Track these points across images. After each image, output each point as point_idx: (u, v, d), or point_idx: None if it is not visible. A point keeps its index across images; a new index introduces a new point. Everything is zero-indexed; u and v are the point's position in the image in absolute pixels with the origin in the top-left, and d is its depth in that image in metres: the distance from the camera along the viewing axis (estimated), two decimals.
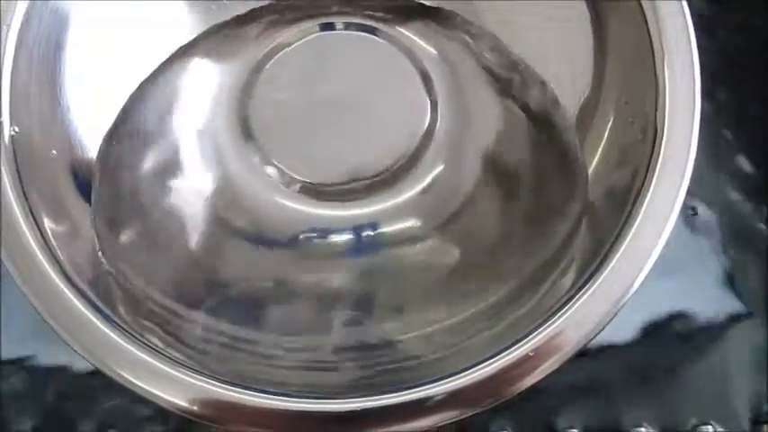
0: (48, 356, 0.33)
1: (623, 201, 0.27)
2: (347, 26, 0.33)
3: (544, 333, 0.26)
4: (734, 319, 0.32)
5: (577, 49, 0.31)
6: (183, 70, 0.32)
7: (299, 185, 0.31)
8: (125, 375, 0.26)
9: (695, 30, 0.28)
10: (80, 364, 0.32)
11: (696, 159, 0.27)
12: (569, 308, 0.26)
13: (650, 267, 0.26)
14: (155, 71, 0.32)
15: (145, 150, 0.31)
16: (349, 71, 0.32)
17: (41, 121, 0.29)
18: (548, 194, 0.31)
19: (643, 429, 0.31)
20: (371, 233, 0.31)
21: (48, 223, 0.28)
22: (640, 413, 0.32)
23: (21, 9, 0.28)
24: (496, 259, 0.31)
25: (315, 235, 0.31)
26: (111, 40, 0.31)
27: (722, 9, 0.35)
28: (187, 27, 0.32)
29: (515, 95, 0.32)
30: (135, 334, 0.26)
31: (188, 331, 0.29)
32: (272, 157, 0.31)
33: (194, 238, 0.31)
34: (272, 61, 0.32)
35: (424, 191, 0.31)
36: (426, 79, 0.32)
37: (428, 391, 0.25)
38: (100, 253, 0.29)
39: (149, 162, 0.31)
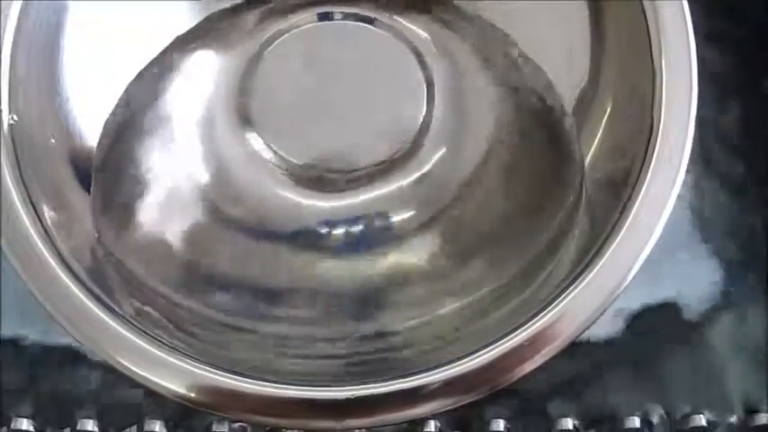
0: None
1: (620, 191, 0.27)
2: (345, 16, 0.33)
3: (540, 322, 0.26)
4: (728, 307, 0.33)
5: (575, 39, 0.31)
6: (182, 59, 0.32)
7: (298, 174, 0.31)
8: (124, 363, 0.26)
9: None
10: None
11: (692, 152, 0.27)
12: (565, 297, 0.26)
13: (646, 258, 0.26)
14: (153, 60, 0.32)
15: (143, 139, 0.31)
16: (347, 60, 0.32)
17: (40, 110, 0.29)
18: (544, 184, 0.31)
19: (637, 418, 0.32)
20: (370, 221, 0.31)
21: (47, 211, 0.28)
22: (635, 402, 0.32)
23: None
24: (494, 248, 0.31)
25: (315, 224, 0.31)
26: (109, 29, 0.31)
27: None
28: (185, 16, 0.32)
29: (513, 83, 0.32)
30: (134, 322, 0.27)
31: (186, 319, 0.29)
32: (271, 146, 0.31)
33: (193, 227, 0.31)
34: (269, 50, 0.32)
35: (423, 179, 0.31)
36: (424, 67, 0.32)
37: (424, 380, 0.25)
38: (99, 241, 0.29)
39: (148, 151, 0.31)
